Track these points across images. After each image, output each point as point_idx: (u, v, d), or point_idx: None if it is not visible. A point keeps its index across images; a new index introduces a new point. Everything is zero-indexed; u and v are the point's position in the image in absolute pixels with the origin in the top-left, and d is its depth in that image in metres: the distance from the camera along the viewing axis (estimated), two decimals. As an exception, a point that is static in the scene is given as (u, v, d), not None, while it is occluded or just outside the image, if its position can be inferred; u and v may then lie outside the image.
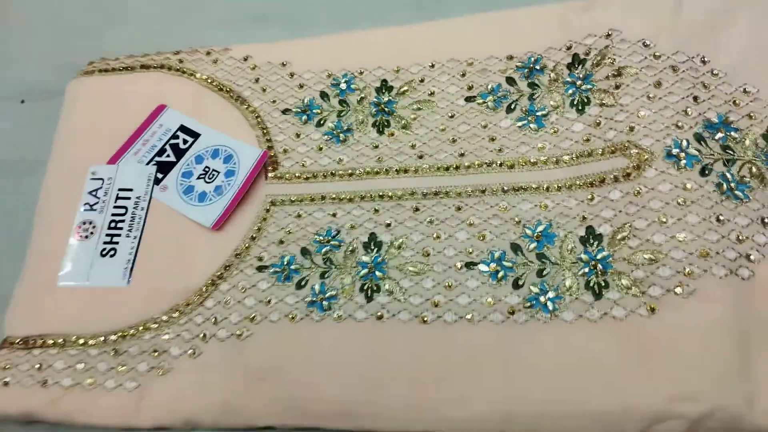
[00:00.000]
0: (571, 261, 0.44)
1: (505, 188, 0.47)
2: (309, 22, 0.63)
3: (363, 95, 0.53)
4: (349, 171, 0.50)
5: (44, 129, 0.58)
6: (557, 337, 0.42)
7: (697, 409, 0.38)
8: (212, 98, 0.56)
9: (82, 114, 0.57)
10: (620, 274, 0.42)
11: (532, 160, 0.47)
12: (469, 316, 0.43)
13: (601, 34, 0.49)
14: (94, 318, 0.48)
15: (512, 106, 0.50)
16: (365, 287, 0.46)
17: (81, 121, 0.57)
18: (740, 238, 0.41)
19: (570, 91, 0.49)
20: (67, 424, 0.46)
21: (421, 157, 0.50)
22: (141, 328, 0.48)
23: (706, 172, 0.43)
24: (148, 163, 0.54)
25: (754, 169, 0.43)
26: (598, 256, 0.43)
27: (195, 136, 0.54)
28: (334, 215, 0.49)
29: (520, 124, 0.49)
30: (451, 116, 0.50)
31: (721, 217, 0.42)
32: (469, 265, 0.45)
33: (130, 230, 0.51)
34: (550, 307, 0.42)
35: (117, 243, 0.51)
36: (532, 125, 0.48)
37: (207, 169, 0.52)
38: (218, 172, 0.52)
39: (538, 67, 0.50)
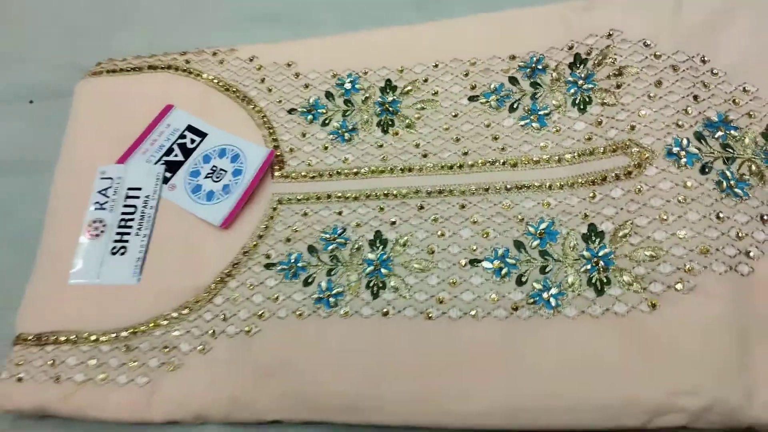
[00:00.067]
0: (573, 258, 0.44)
1: (508, 186, 0.47)
2: (314, 22, 0.63)
3: (367, 95, 0.54)
4: (355, 170, 0.51)
5: (53, 129, 0.58)
6: (560, 333, 0.42)
7: (698, 403, 0.38)
8: (219, 98, 0.56)
9: (90, 114, 0.58)
10: (622, 270, 0.42)
11: (534, 159, 0.48)
12: (473, 312, 0.44)
13: (602, 34, 0.49)
14: (105, 315, 0.49)
15: (515, 106, 0.50)
16: (371, 284, 0.46)
17: (89, 122, 0.57)
18: (740, 235, 0.41)
19: (572, 91, 0.49)
20: (80, 418, 0.47)
21: (425, 156, 0.50)
22: (151, 324, 0.48)
23: (706, 170, 0.44)
24: (156, 163, 0.54)
25: (753, 167, 0.43)
26: (600, 253, 0.43)
27: (202, 135, 0.55)
28: (340, 213, 0.50)
29: (522, 123, 0.49)
30: (455, 115, 0.51)
31: (720, 215, 0.42)
32: (473, 262, 0.45)
33: (139, 229, 0.52)
34: (553, 303, 0.43)
35: (127, 241, 0.51)
36: (534, 124, 0.49)
37: (215, 169, 0.53)
38: (226, 171, 0.53)
39: (540, 67, 0.51)
